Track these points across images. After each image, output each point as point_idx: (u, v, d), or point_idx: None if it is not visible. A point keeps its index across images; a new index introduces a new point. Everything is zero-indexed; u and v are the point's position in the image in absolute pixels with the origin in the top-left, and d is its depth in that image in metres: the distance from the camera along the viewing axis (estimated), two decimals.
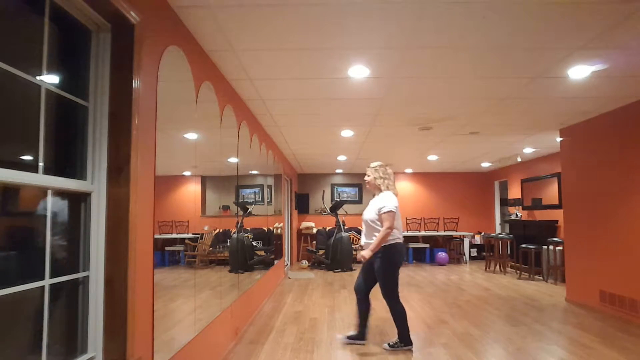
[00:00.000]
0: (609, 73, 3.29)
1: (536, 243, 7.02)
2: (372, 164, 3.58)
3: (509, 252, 8.11)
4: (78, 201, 1.62)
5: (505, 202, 9.52)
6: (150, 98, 1.96)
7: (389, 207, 3.27)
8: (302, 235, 9.93)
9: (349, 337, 3.50)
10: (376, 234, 3.29)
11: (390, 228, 3.23)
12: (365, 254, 3.27)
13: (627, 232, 4.22)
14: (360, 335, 3.48)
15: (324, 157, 7.81)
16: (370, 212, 3.41)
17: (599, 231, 4.65)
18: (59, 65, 1.53)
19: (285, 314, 4.59)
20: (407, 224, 10.22)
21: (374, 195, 3.55)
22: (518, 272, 7.31)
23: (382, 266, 3.31)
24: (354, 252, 8.52)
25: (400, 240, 3.37)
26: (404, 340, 3.35)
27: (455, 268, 8.68)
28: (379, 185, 3.46)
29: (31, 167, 1.37)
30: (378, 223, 3.32)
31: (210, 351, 2.85)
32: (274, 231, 6.21)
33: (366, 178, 3.59)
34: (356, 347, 3.41)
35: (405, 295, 5.60)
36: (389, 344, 3.38)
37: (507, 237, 7.81)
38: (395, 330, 3.39)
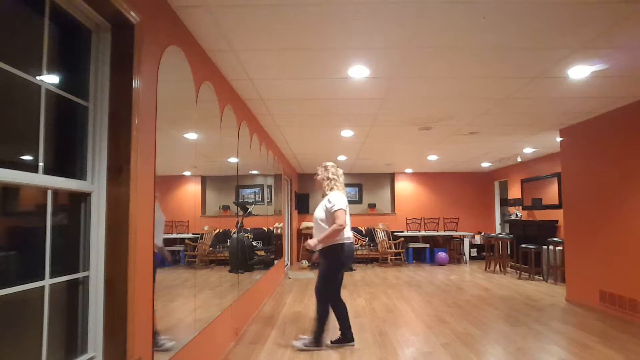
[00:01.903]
0: (609, 73, 3.29)
1: (536, 243, 7.02)
2: (324, 163, 3.60)
3: (509, 252, 8.11)
4: (78, 201, 1.62)
5: (505, 202, 9.51)
6: (150, 98, 1.96)
7: (339, 205, 3.29)
8: (302, 235, 9.93)
9: (334, 342, 3.43)
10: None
11: (342, 225, 3.23)
12: (312, 242, 3.28)
13: (627, 232, 4.22)
14: (346, 338, 3.43)
15: (324, 157, 7.79)
16: (319, 211, 3.42)
17: (599, 231, 4.64)
18: (59, 65, 1.53)
19: (285, 314, 4.59)
20: (407, 224, 10.22)
21: (322, 196, 3.56)
22: (518, 272, 7.31)
23: (327, 264, 3.33)
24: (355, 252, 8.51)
25: (350, 241, 3.37)
26: (317, 341, 3.34)
27: (455, 268, 8.67)
28: (327, 185, 3.49)
29: (31, 167, 1.37)
30: (326, 222, 3.33)
31: (210, 351, 2.85)
32: (274, 231, 6.21)
33: (315, 177, 3.62)
34: (355, 347, 3.41)
35: (406, 295, 5.60)
36: (301, 342, 3.37)
37: (507, 237, 7.81)
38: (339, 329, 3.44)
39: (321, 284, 3.37)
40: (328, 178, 3.50)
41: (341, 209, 3.27)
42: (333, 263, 3.33)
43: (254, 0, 2.17)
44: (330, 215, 3.30)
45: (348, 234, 3.36)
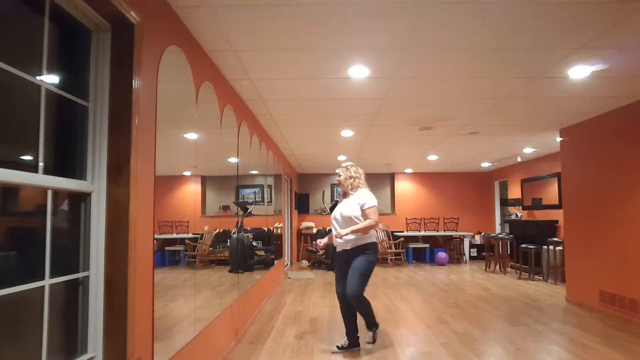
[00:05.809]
0: (609, 73, 3.29)
1: (536, 243, 7.02)
2: (344, 164, 3.56)
3: (509, 252, 8.11)
4: (78, 201, 1.62)
5: (505, 202, 9.51)
6: (150, 98, 1.96)
7: (372, 202, 3.28)
8: (302, 235, 9.93)
9: (369, 342, 3.40)
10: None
11: (377, 222, 3.25)
12: (343, 232, 3.20)
13: (627, 232, 4.22)
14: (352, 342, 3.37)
15: (324, 157, 7.81)
16: (352, 209, 3.30)
17: (599, 231, 4.64)
18: (59, 65, 1.53)
19: (285, 314, 4.59)
20: (407, 224, 10.22)
21: (344, 195, 3.49)
22: (518, 272, 7.31)
23: (367, 262, 3.28)
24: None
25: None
26: (371, 325, 3.40)
27: (455, 268, 8.67)
28: (350, 184, 3.43)
29: (31, 167, 1.37)
30: (362, 219, 3.26)
31: (210, 351, 2.85)
32: (274, 231, 6.21)
33: (337, 178, 3.54)
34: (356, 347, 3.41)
35: (406, 295, 5.60)
36: (370, 337, 3.40)
37: (507, 237, 7.81)
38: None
39: (359, 283, 3.31)
40: (351, 177, 3.44)
41: (375, 206, 3.28)
42: (372, 262, 3.34)
43: (254, 0, 2.17)
44: (364, 213, 3.27)
45: (375, 234, 3.42)
